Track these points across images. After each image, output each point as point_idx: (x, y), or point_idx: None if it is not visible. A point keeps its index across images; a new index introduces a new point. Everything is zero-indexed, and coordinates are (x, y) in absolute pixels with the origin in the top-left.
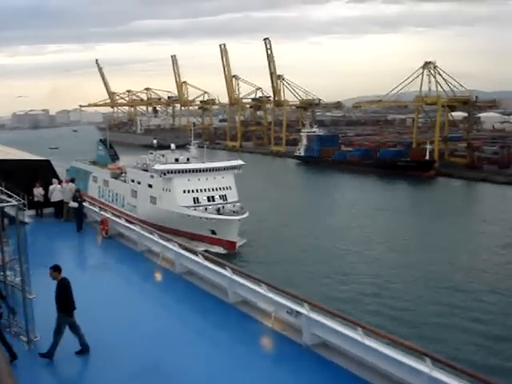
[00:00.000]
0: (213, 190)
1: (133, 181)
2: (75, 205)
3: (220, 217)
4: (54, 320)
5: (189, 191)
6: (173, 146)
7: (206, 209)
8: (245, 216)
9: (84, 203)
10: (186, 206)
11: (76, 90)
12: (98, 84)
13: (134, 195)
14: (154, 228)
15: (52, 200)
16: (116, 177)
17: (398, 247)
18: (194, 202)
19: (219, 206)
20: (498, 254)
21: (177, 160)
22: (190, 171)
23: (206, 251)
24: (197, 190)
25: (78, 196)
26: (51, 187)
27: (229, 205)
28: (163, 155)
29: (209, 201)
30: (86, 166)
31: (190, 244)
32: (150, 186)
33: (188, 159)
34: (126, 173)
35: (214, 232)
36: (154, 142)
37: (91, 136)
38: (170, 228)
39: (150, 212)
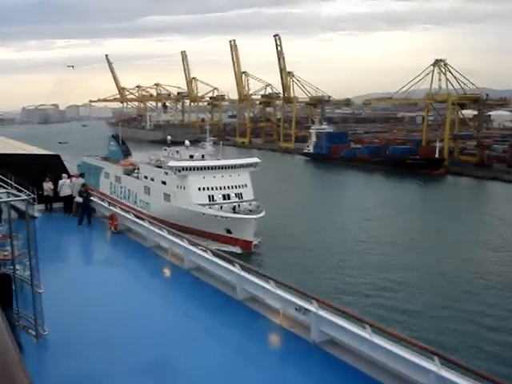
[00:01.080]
0: (228, 187)
1: (146, 177)
2: (80, 200)
3: (237, 215)
4: (64, 314)
5: (204, 189)
6: (187, 142)
7: (221, 207)
8: (261, 215)
9: (91, 198)
10: (201, 204)
11: (85, 84)
12: (107, 79)
13: (147, 192)
14: (168, 226)
15: (61, 195)
16: (128, 173)
17: (407, 246)
18: (209, 200)
19: (235, 204)
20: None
21: (191, 157)
22: (205, 168)
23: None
24: (212, 188)
25: (83, 191)
26: (60, 182)
27: (244, 203)
28: (177, 152)
29: (224, 199)
30: (97, 161)
31: (205, 242)
32: (164, 182)
33: (203, 156)
34: (138, 169)
35: (229, 231)
36: (168, 138)
37: (101, 131)
38: (184, 226)
39: (163, 209)
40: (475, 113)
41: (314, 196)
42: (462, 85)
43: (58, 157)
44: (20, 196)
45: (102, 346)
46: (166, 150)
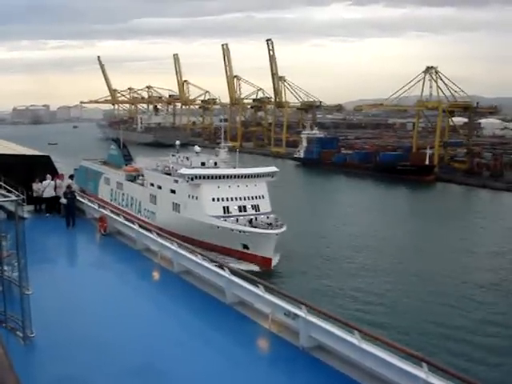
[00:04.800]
0: (244, 198)
1: (152, 185)
2: (64, 201)
3: (256, 230)
4: (51, 316)
5: (218, 199)
6: (197, 148)
7: (236, 220)
8: (283, 230)
9: (75, 199)
10: (215, 216)
11: (77, 86)
12: (99, 81)
13: (152, 201)
14: (176, 238)
15: (44, 196)
16: (132, 179)
17: (395, 252)
18: (224, 212)
19: (251, 217)
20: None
21: (203, 164)
22: (220, 177)
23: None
24: (227, 199)
25: (67, 192)
26: (45, 183)
27: (262, 216)
28: (187, 158)
29: (240, 211)
30: (96, 166)
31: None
32: (174, 191)
33: (215, 163)
34: (143, 175)
35: (246, 246)
36: (177, 142)
37: (91, 133)
38: (195, 239)
39: (171, 220)
40: (466, 120)
41: (304, 202)
42: (453, 92)
43: (48, 158)
44: (9, 197)
45: (90, 349)
46: (173, 155)
